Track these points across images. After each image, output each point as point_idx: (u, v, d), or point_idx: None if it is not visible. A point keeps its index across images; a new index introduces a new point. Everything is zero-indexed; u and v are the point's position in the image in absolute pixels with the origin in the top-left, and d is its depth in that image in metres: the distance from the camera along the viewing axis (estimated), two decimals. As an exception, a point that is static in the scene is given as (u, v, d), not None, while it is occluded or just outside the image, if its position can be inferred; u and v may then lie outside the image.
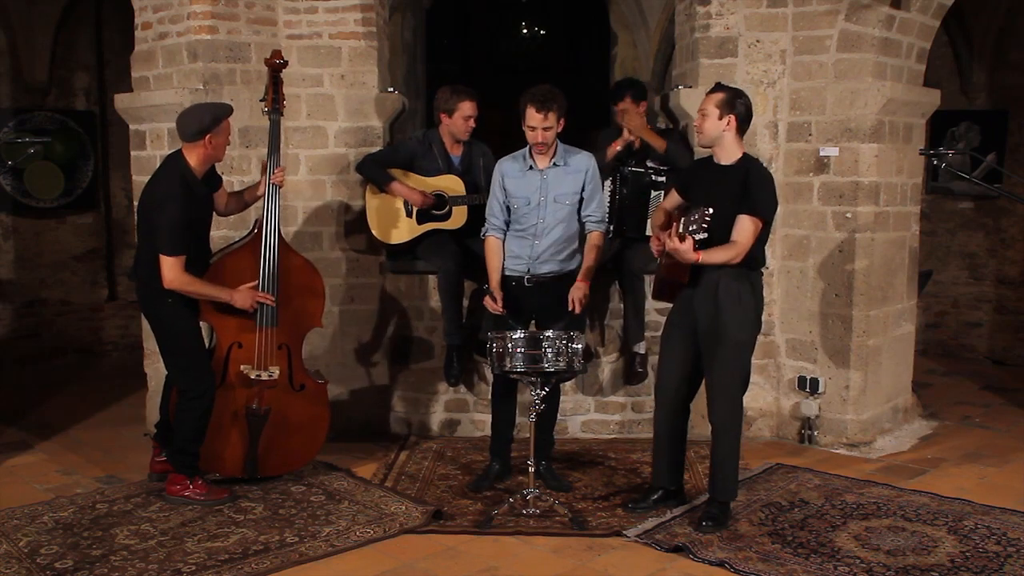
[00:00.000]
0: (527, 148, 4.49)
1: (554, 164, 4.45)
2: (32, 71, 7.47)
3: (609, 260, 5.14)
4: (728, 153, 4.04)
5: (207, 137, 4.25)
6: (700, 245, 3.86)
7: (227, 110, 4.39)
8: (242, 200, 4.73)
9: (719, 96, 4.00)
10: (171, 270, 4.21)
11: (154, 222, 4.25)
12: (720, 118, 3.98)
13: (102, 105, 7.72)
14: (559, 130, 4.37)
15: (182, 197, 4.23)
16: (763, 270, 4.23)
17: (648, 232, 4.94)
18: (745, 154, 4.07)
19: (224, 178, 5.09)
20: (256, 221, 4.59)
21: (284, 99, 4.66)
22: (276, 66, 4.60)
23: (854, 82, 5.18)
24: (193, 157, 4.30)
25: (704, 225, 3.78)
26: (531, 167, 4.46)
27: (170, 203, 4.21)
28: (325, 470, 4.87)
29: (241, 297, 4.39)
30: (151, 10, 5.29)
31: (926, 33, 5.43)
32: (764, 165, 4.23)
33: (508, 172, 4.51)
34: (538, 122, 4.29)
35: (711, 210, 3.78)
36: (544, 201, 4.45)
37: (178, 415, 4.41)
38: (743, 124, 4.03)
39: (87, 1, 7.69)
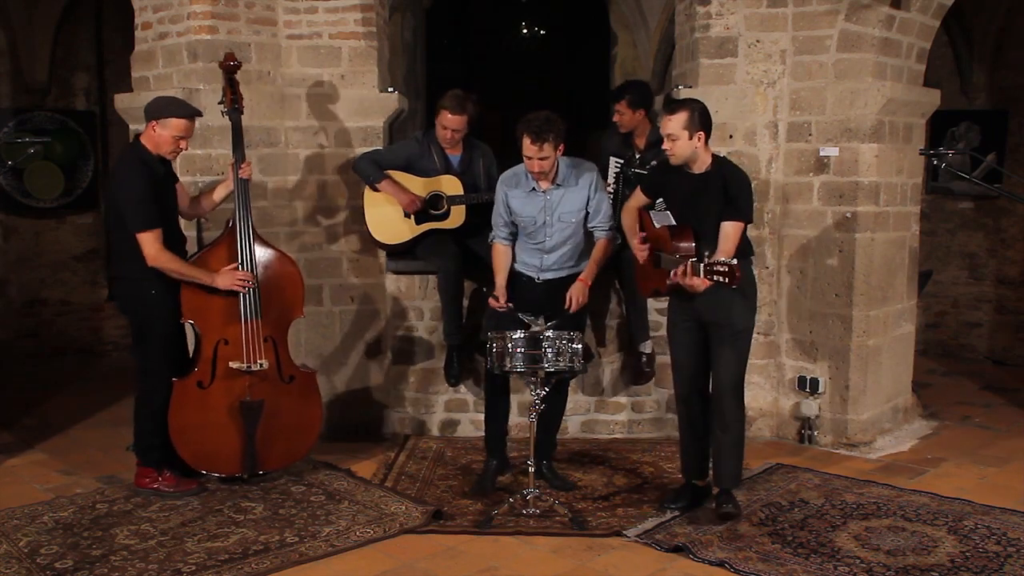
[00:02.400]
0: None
1: (556, 185, 4.46)
2: (32, 71, 7.48)
3: (609, 261, 5.14)
4: (700, 163, 4.08)
5: (152, 123, 4.36)
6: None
7: (184, 110, 4.41)
8: (211, 199, 4.76)
9: (683, 117, 3.98)
10: (150, 245, 4.27)
11: (119, 203, 4.35)
12: (690, 138, 4.00)
13: (102, 105, 7.73)
14: (558, 156, 4.37)
15: (141, 171, 4.33)
16: (751, 258, 4.30)
17: None
18: (714, 157, 4.11)
19: (225, 179, 5.11)
20: (230, 217, 4.62)
21: (242, 98, 4.69)
22: (229, 68, 4.64)
23: (854, 82, 5.18)
24: (145, 140, 4.41)
25: (734, 280, 3.66)
26: (533, 188, 4.47)
27: (129, 178, 4.33)
28: (325, 470, 4.87)
29: (223, 279, 4.43)
30: (151, 10, 5.29)
31: (926, 33, 5.43)
32: (734, 164, 4.25)
33: (511, 192, 4.53)
34: (534, 153, 4.28)
35: (735, 261, 3.71)
36: (550, 220, 4.49)
37: (136, 410, 4.53)
38: (709, 132, 4.06)
39: (87, 1, 7.69)
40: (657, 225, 4.15)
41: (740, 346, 4.15)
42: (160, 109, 4.36)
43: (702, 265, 3.77)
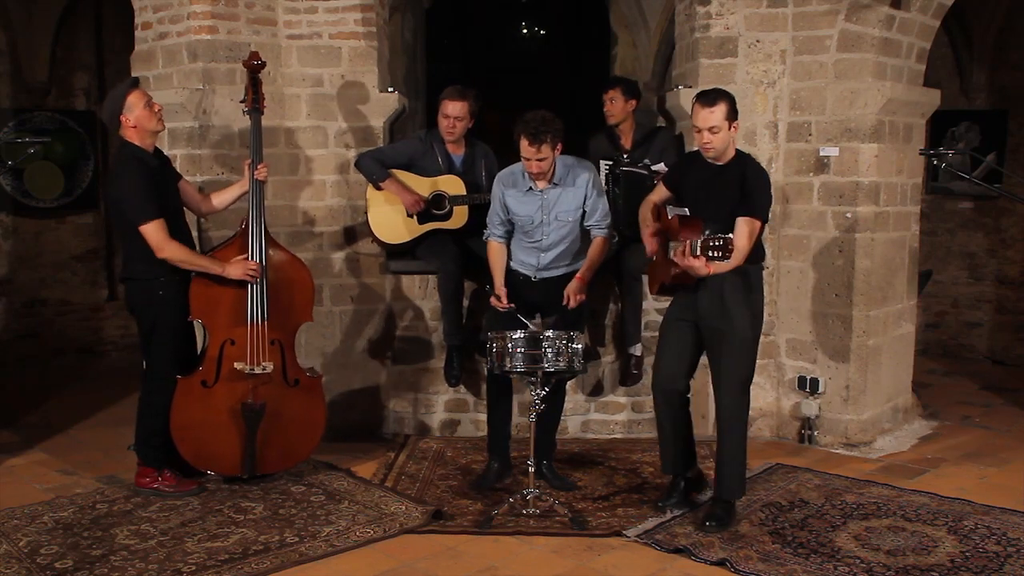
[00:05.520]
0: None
1: (553, 184, 4.45)
2: (32, 71, 7.47)
3: (607, 261, 5.13)
4: (725, 154, 4.04)
5: (123, 118, 4.33)
6: None
7: (126, 86, 4.40)
8: (223, 199, 4.76)
9: (724, 108, 3.92)
10: (156, 236, 4.26)
11: (119, 202, 4.34)
12: (729, 128, 3.96)
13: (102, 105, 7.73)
14: (556, 155, 4.37)
15: (135, 166, 4.31)
16: (763, 264, 4.25)
17: None
18: (738, 151, 4.08)
19: (225, 178, 5.13)
20: (243, 218, 4.62)
21: (264, 98, 4.69)
22: (254, 67, 4.64)
23: (854, 82, 5.18)
24: (130, 137, 4.38)
25: (727, 254, 3.70)
26: (530, 188, 4.47)
27: (124, 174, 4.32)
28: (325, 470, 4.87)
29: (234, 268, 4.43)
30: (151, 10, 5.29)
31: (926, 33, 5.43)
32: (756, 160, 4.24)
33: (508, 191, 4.53)
34: (531, 154, 4.29)
35: (732, 235, 3.75)
36: (546, 219, 4.49)
37: (140, 409, 4.54)
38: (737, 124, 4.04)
39: (87, 1, 7.69)
40: (670, 216, 4.15)
41: (741, 356, 4.05)
42: (115, 103, 4.34)
43: (699, 242, 3.75)
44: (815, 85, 5.27)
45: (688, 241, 3.84)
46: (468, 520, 4.22)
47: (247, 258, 4.50)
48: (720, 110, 3.93)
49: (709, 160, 4.06)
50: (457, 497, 4.51)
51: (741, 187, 3.95)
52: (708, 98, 3.97)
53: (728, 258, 3.71)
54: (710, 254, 3.71)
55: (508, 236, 4.64)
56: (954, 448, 5.37)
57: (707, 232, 3.79)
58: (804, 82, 5.29)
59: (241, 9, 5.17)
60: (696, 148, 4.13)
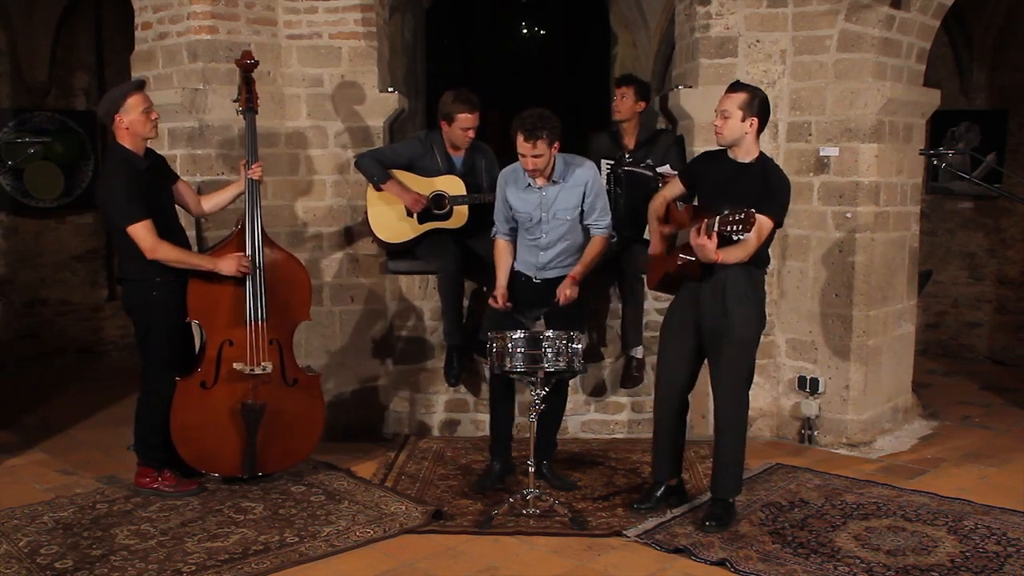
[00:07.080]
0: None
1: (552, 181, 4.45)
2: (32, 71, 7.48)
3: (608, 261, 5.13)
4: (746, 152, 4.02)
5: (117, 117, 4.31)
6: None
7: (130, 87, 4.40)
8: (219, 199, 4.76)
9: (742, 97, 3.94)
10: (144, 237, 4.24)
11: (107, 203, 4.34)
12: (743, 120, 3.94)
13: (102, 105, 7.73)
14: (553, 153, 4.36)
15: (122, 168, 4.30)
16: (766, 270, 4.24)
17: (647, 235, 4.87)
18: (761, 152, 4.07)
19: (225, 179, 5.12)
20: (239, 218, 4.61)
21: (258, 97, 4.68)
22: (246, 66, 4.63)
23: (854, 82, 5.18)
24: (122, 139, 4.36)
25: (748, 227, 3.67)
26: (529, 184, 4.47)
27: (112, 177, 4.32)
28: (325, 470, 4.87)
29: (226, 263, 4.41)
30: (151, 10, 5.29)
31: (926, 33, 5.43)
32: (778, 165, 4.23)
33: (510, 188, 4.53)
34: (527, 151, 4.29)
35: (752, 209, 3.69)
36: (545, 217, 4.49)
37: (139, 409, 4.55)
38: (764, 123, 4.02)
39: (87, 1, 7.70)
40: (680, 208, 4.13)
41: (740, 357, 4.05)
42: (113, 101, 4.32)
43: (717, 218, 3.73)
44: (815, 85, 5.27)
45: (706, 220, 3.82)
46: (468, 520, 4.22)
47: (242, 255, 4.48)
48: (737, 98, 3.94)
49: (731, 157, 4.04)
50: (457, 497, 4.51)
51: (761, 187, 3.94)
52: (733, 86, 4.03)
53: (748, 231, 3.68)
54: (729, 228, 3.69)
55: (514, 234, 4.63)
56: (954, 448, 5.37)
57: (725, 212, 3.75)
58: (804, 82, 5.29)
59: (241, 9, 5.17)
60: (716, 147, 4.15)
